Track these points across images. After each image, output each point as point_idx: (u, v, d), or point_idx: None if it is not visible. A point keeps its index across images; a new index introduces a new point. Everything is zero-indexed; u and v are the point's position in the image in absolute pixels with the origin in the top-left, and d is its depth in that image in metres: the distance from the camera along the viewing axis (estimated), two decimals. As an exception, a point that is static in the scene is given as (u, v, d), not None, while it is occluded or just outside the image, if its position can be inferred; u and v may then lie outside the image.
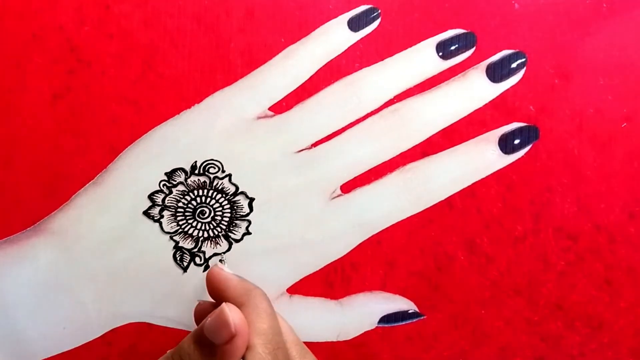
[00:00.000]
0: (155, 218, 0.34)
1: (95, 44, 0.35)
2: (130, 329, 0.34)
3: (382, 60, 0.35)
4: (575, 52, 0.35)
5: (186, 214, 0.34)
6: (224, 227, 0.34)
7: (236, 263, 0.34)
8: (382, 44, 0.35)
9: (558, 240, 0.34)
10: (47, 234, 0.34)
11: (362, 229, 0.35)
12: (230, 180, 0.35)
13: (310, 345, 0.32)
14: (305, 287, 0.35)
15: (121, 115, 0.35)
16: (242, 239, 0.34)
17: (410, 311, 0.35)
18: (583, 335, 0.34)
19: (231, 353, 0.26)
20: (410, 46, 0.35)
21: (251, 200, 0.34)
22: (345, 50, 0.35)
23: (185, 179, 0.35)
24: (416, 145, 0.35)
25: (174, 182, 0.35)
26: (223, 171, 0.35)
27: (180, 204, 0.35)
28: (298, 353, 0.29)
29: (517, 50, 0.35)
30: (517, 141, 0.35)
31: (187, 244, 0.34)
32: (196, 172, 0.35)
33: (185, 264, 0.34)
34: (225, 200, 0.35)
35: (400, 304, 0.35)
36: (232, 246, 0.34)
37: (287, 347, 0.28)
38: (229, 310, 0.26)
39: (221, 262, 0.34)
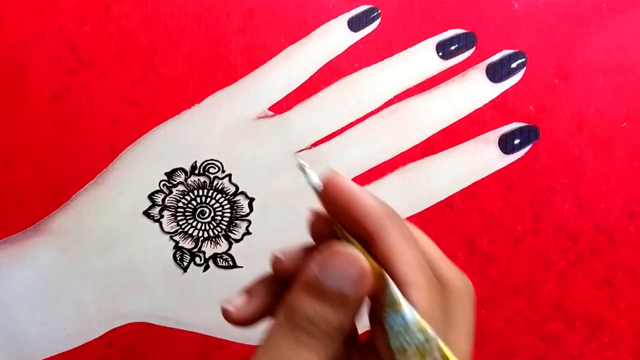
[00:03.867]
0: (155, 218, 0.34)
1: (95, 44, 0.35)
2: (130, 329, 0.34)
3: (382, 60, 0.35)
4: (575, 52, 0.35)
5: (186, 214, 0.34)
6: (224, 227, 0.34)
7: (236, 263, 0.34)
8: (382, 44, 0.35)
9: (558, 240, 0.34)
10: (47, 234, 0.34)
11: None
12: (230, 180, 0.35)
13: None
14: (305, 287, 0.35)
15: (121, 115, 0.35)
16: (242, 239, 0.34)
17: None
18: (583, 335, 0.34)
19: (363, 295, 0.21)
20: (410, 46, 0.35)
21: (251, 200, 0.34)
22: (345, 50, 0.35)
23: (185, 179, 0.35)
24: (416, 145, 0.35)
25: (174, 182, 0.35)
26: (223, 171, 0.35)
27: (180, 204, 0.35)
28: (451, 274, 0.23)
29: (517, 50, 0.35)
30: (517, 141, 0.35)
31: (187, 244, 0.34)
32: (196, 172, 0.35)
33: (185, 264, 0.34)
34: (225, 200, 0.35)
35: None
36: (232, 246, 0.34)
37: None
38: (352, 252, 0.21)
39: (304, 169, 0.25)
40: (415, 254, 0.21)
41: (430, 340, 0.20)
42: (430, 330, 0.20)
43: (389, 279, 0.21)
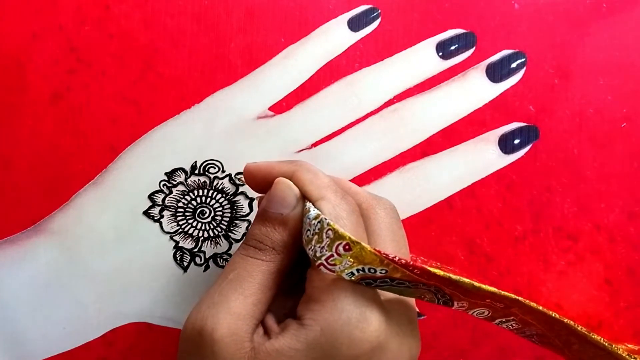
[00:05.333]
0: (155, 218, 0.34)
1: (95, 44, 0.35)
2: (130, 329, 0.34)
3: (382, 60, 0.35)
4: (575, 52, 0.35)
5: (186, 214, 0.34)
6: (224, 227, 0.34)
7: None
8: (382, 44, 0.35)
9: (558, 240, 0.34)
10: (48, 234, 0.34)
11: (362, 228, 0.35)
12: (230, 180, 0.35)
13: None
14: (305, 287, 0.35)
15: (121, 115, 0.35)
16: (242, 238, 0.34)
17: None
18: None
19: (299, 215, 0.27)
20: (410, 46, 0.35)
21: (251, 200, 0.35)
22: (345, 50, 0.35)
23: (185, 179, 0.35)
24: (416, 145, 0.35)
25: (174, 182, 0.35)
26: (223, 171, 0.35)
27: (180, 204, 0.35)
28: (364, 195, 0.29)
29: (517, 50, 0.35)
30: (516, 141, 0.35)
31: (187, 244, 0.34)
32: (196, 172, 0.35)
33: (185, 264, 0.34)
34: (225, 200, 0.35)
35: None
36: (232, 246, 0.34)
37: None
38: (285, 180, 0.27)
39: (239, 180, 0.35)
40: (320, 180, 0.27)
41: (322, 222, 0.24)
42: (323, 216, 0.25)
43: (305, 200, 0.26)
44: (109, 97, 0.35)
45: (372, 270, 0.24)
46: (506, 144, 0.35)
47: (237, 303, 0.25)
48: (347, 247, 0.24)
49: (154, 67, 0.35)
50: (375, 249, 0.23)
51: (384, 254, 0.23)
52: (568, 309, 0.34)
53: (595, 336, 0.24)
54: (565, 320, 0.24)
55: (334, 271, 0.24)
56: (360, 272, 0.24)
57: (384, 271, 0.24)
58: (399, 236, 0.28)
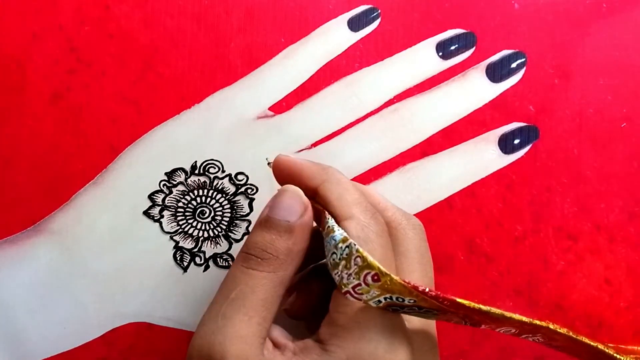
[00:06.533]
0: (155, 218, 0.34)
1: (95, 44, 0.35)
2: (130, 329, 0.34)
3: (382, 60, 0.35)
4: (575, 52, 0.35)
5: (186, 214, 0.34)
6: (224, 227, 0.34)
7: (236, 263, 0.34)
8: (382, 44, 0.35)
9: (558, 240, 0.34)
10: (48, 234, 0.34)
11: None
12: (230, 180, 0.35)
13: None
14: (305, 287, 0.35)
15: (121, 115, 0.35)
16: (242, 239, 0.34)
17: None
18: (583, 335, 0.34)
19: (307, 224, 0.26)
20: (410, 46, 0.35)
21: (251, 200, 0.35)
22: (345, 50, 0.35)
23: (185, 179, 0.35)
24: (416, 145, 0.35)
25: (174, 182, 0.35)
26: (223, 171, 0.35)
27: (180, 204, 0.35)
28: (393, 212, 0.28)
29: (517, 50, 0.35)
30: (516, 141, 0.35)
31: (187, 244, 0.34)
32: (196, 172, 0.35)
33: (185, 264, 0.34)
34: (225, 200, 0.35)
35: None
36: (232, 246, 0.34)
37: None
38: (293, 188, 0.26)
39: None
40: (350, 195, 0.26)
41: (350, 247, 0.23)
42: (351, 240, 0.24)
43: (327, 214, 0.25)
44: (109, 97, 0.35)
45: (400, 300, 0.23)
46: (506, 144, 0.35)
47: (242, 325, 0.24)
48: (375, 277, 0.23)
49: (154, 67, 0.35)
50: (404, 281, 0.23)
51: (413, 285, 0.23)
52: (568, 309, 0.34)
53: (624, 358, 0.24)
54: (594, 343, 0.24)
55: (360, 299, 0.24)
56: (388, 299, 0.23)
57: (412, 301, 0.23)
58: (426, 259, 0.27)
